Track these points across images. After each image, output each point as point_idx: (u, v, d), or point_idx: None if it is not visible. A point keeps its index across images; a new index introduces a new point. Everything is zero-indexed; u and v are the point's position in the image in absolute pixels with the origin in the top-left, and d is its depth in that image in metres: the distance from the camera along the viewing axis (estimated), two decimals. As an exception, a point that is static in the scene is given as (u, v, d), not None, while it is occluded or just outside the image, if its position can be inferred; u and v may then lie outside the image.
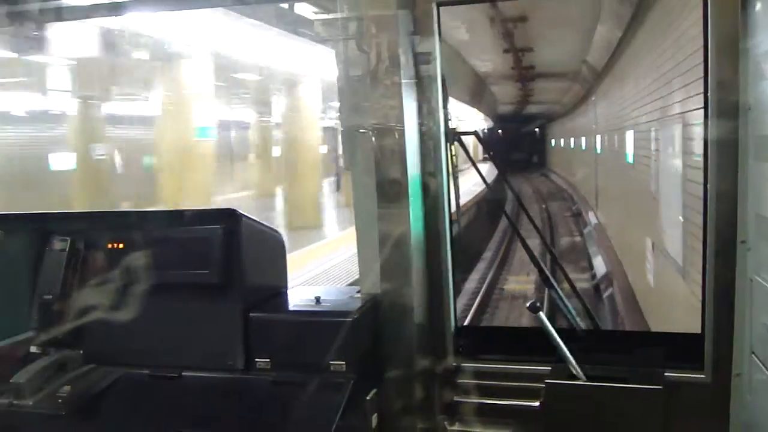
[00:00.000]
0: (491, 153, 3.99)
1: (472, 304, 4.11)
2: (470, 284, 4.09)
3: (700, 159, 3.36)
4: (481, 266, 4.15)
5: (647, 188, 3.78)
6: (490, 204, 4.10)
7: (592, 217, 3.75)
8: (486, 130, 4.06)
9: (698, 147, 3.39)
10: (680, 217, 3.30)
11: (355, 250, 3.83)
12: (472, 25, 3.92)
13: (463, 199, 3.90)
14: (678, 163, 3.36)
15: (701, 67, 3.29)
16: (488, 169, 3.99)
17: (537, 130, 4.14)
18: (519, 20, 3.92)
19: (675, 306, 3.44)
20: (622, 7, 3.77)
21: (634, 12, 3.75)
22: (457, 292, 3.90)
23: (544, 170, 4.13)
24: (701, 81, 3.30)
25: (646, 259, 3.69)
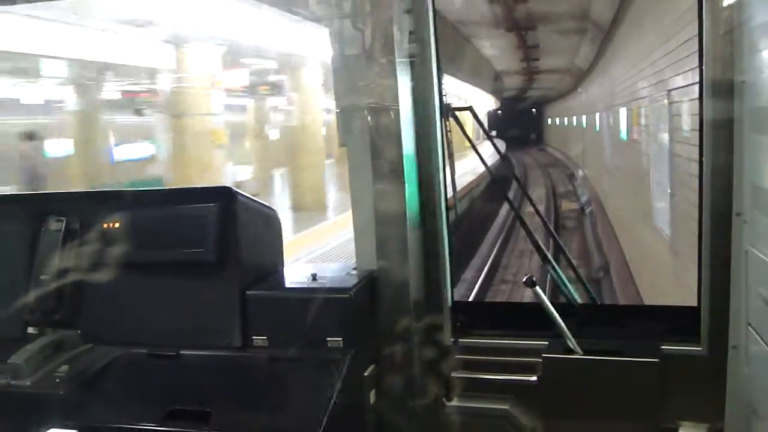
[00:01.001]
0: (491, 131, 4.07)
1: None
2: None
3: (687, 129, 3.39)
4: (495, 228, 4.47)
5: (623, 148, 4.78)
6: (496, 179, 4.12)
7: (580, 173, 4.47)
8: (492, 110, 4.32)
9: (686, 120, 3.45)
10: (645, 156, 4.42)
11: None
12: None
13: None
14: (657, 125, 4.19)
15: (694, 42, 3.30)
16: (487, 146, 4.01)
17: (534, 109, 4.50)
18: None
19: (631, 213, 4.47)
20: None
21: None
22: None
23: (542, 145, 4.65)
24: (693, 56, 3.31)
25: (616, 191, 4.52)
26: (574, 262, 3.91)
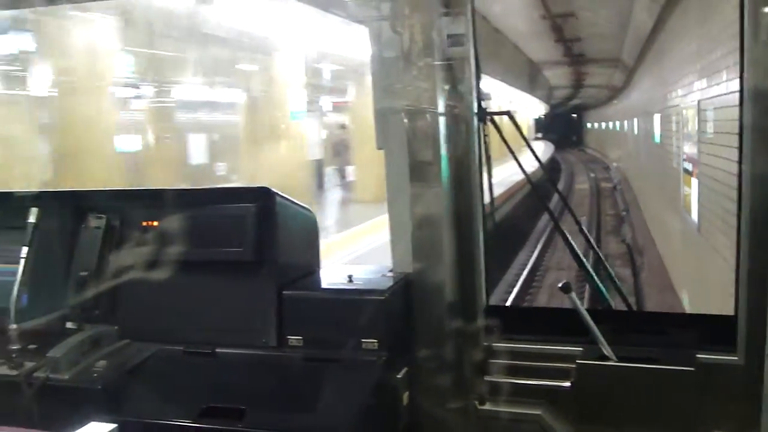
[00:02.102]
0: (539, 133, 4.21)
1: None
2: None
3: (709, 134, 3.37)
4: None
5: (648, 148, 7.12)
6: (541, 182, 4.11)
7: (614, 165, 5.18)
8: (540, 116, 4.99)
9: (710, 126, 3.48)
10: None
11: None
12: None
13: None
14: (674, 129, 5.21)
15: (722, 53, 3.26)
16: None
17: (575, 114, 5.23)
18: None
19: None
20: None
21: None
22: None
23: (582, 146, 5.93)
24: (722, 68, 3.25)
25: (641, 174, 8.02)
26: (610, 270, 3.89)
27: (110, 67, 17.59)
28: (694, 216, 9.53)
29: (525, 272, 13.41)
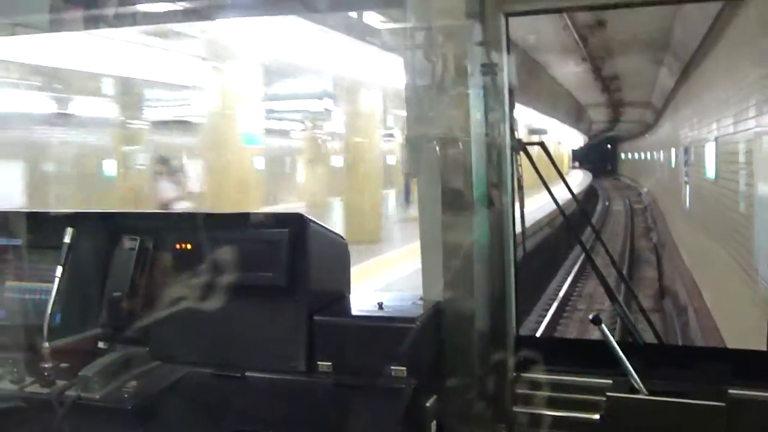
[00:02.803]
0: (576, 162, 4.44)
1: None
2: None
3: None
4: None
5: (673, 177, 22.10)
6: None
7: (644, 190, 11.40)
8: (579, 147, 6.30)
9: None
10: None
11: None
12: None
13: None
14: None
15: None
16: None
17: (610, 146, 6.27)
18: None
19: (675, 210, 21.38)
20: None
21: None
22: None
23: (616, 175, 7.04)
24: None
25: (665, 191, 25.40)
26: (642, 304, 3.88)
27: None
28: (687, 204, 19.55)
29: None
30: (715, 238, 14.69)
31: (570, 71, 31.61)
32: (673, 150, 26.00)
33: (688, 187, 20.59)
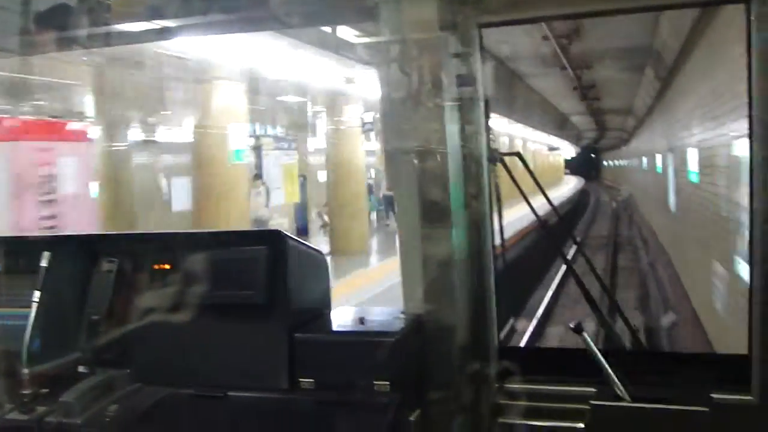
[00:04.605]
0: (568, 169, 5.07)
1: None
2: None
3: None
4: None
5: (644, 177, 37.36)
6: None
7: (623, 188, 19.86)
8: (570, 158, 8.15)
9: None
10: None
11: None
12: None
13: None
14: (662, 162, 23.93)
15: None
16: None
17: (594, 155, 7.27)
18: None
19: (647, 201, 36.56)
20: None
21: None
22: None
23: (600, 179, 15.22)
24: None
25: (641, 193, 39.44)
26: (624, 312, 3.90)
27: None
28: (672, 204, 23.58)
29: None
30: (667, 208, 24.99)
31: (557, 89, 33.75)
32: (643, 158, 38.76)
33: (652, 183, 33.41)
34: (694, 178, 17.31)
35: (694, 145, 17.07)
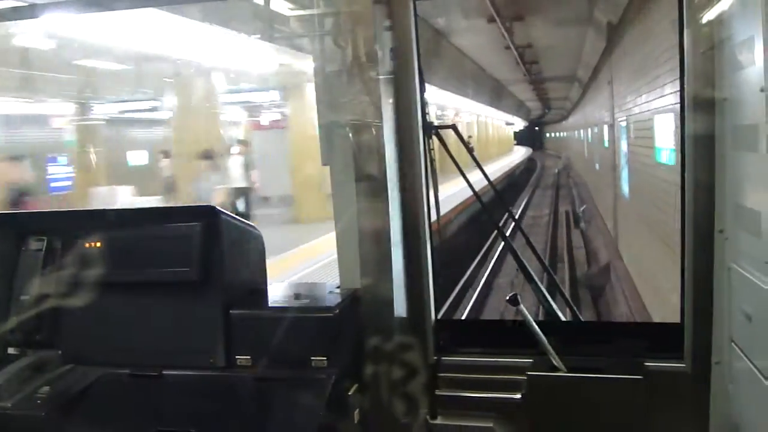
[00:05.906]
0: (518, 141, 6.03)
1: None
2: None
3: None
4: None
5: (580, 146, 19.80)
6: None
7: (563, 155, 16.81)
8: (519, 130, 9.34)
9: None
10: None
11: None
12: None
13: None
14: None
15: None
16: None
17: (538, 128, 8.77)
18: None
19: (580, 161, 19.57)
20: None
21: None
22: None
23: (543, 149, 15.90)
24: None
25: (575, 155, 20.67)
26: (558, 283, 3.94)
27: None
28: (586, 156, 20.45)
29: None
30: (592, 164, 22.45)
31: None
32: (580, 131, 37.77)
33: (586, 150, 29.40)
34: (606, 144, 20.12)
35: (606, 122, 19.89)
